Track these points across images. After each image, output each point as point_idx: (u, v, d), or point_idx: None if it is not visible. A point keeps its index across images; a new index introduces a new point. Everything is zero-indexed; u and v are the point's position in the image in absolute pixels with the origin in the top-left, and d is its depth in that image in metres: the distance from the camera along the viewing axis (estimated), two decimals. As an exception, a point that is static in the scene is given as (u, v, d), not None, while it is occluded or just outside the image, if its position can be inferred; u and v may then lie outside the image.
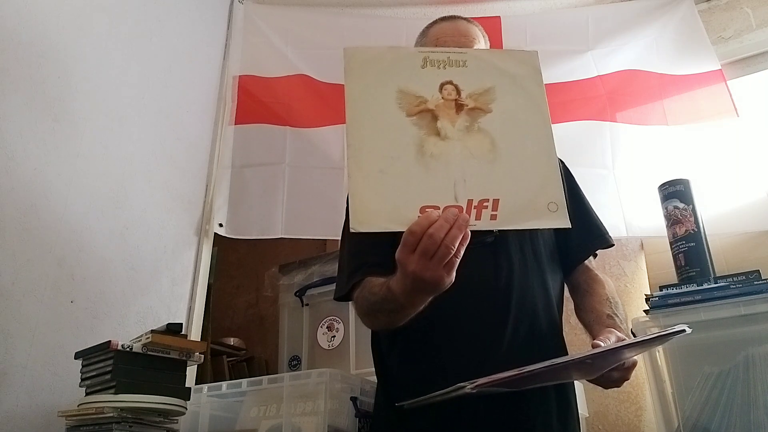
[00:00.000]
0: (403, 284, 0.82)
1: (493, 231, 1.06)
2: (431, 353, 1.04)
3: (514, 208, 0.80)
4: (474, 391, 0.78)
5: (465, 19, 1.24)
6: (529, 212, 0.80)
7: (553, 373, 0.87)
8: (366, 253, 1.05)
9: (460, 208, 0.78)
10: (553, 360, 0.82)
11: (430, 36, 1.23)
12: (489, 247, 1.08)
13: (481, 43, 1.22)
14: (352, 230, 0.76)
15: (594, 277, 1.16)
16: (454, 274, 0.78)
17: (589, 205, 1.24)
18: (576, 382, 1.16)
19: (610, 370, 0.88)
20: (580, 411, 1.15)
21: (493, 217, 0.79)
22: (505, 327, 1.03)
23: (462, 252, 0.76)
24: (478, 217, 0.78)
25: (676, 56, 2.12)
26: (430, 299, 0.86)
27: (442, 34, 1.21)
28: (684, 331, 0.83)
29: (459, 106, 0.84)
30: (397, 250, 0.78)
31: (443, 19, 1.24)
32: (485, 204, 0.79)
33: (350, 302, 1.12)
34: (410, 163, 0.80)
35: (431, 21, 1.26)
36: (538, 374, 0.82)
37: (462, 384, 0.78)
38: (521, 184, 0.81)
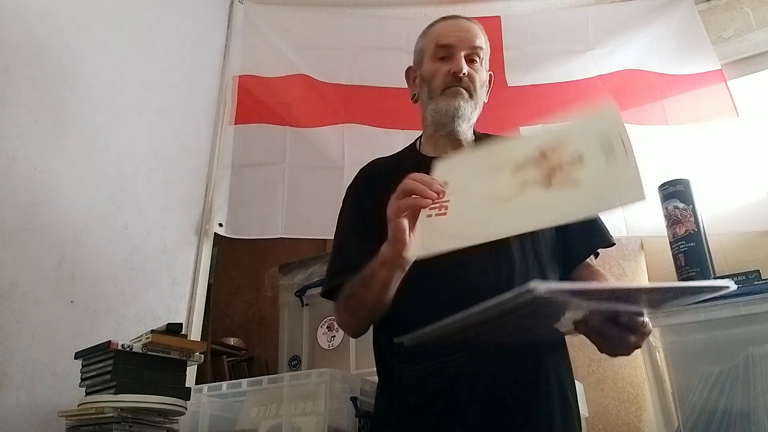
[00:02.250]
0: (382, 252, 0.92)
1: None
2: (432, 351, 1.04)
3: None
4: (545, 295, 0.73)
5: (466, 18, 1.25)
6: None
7: (626, 297, 0.84)
8: (351, 254, 1.11)
9: None
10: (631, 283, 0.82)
11: (432, 35, 1.24)
12: (488, 246, 1.08)
13: (482, 40, 1.22)
14: (418, 258, 0.86)
15: (596, 272, 1.16)
16: (405, 239, 0.88)
17: None
18: (576, 382, 1.16)
19: (628, 332, 0.83)
20: (580, 411, 1.15)
21: None
22: None
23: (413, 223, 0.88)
24: None
25: (676, 56, 2.12)
26: (396, 276, 0.94)
27: (446, 30, 1.22)
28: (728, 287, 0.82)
29: (548, 175, 0.87)
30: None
31: (444, 18, 1.25)
32: None
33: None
34: (482, 202, 0.89)
35: (432, 22, 1.27)
36: (614, 295, 0.79)
37: (531, 287, 0.73)
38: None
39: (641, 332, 0.83)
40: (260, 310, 3.03)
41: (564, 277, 1.19)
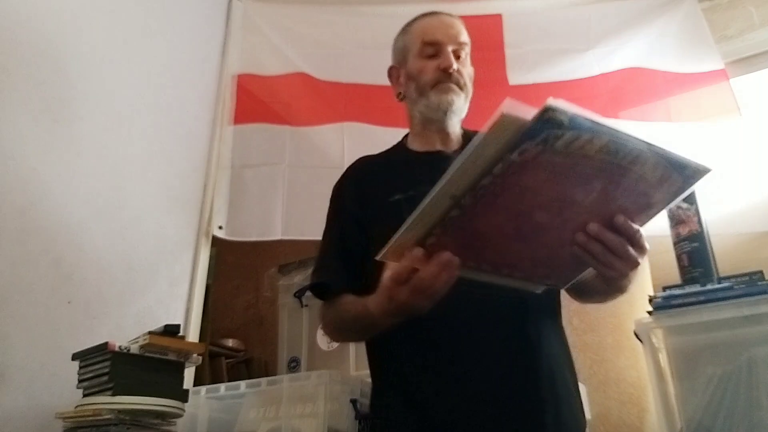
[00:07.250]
0: (385, 308, 0.85)
1: None
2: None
3: None
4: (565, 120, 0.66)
5: (447, 13, 1.23)
6: None
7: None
8: (336, 256, 1.14)
9: None
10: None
11: (416, 32, 1.22)
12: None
13: (466, 36, 1.21)
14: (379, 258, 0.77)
15: None
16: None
17: None
18: (579, 384, 1.14)
19: (626, 241, 0.80)
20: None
21: None
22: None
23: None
24: None
25: (679, 54, 2.11)
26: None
27: (430, 27, 1.20)
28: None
29: None
30: (386, 279, 0.80)
31: (425, 15, 1.24)
32: None
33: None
34: None
35: (411, 19, 1.26)
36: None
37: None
38: None
39: (639, 244, 0.81)
40: (259, 311, 3.02)
41: None
